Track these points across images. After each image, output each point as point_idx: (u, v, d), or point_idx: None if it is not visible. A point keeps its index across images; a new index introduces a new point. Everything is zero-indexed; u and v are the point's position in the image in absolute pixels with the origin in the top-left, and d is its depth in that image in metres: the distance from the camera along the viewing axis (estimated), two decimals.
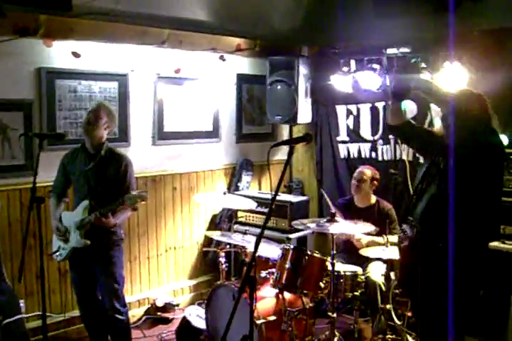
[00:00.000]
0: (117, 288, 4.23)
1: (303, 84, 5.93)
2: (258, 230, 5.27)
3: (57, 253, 4.13)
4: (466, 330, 3.49)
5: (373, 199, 5.22)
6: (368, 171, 5.16)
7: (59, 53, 4.82)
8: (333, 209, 4.59)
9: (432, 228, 3.28)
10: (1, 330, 4.09)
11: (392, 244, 4.49)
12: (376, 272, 4.75)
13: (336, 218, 4.37)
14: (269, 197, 5.78)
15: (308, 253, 4.29)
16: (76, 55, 4.88)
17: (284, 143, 3.06)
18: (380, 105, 5.88)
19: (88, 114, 4.16)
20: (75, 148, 4.31)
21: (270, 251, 4.60)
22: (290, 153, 2.86)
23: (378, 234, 4.79)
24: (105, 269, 4.18)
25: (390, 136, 5.76)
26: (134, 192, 3.95)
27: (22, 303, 4.60)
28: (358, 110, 6.11)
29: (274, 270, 4.34)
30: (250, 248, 4.65)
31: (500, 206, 3.44)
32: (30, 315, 4.72)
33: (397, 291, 4.89)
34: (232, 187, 6.21)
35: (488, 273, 3.42)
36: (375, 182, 5.16)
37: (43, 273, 3.63)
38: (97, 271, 4.21)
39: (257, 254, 2.79)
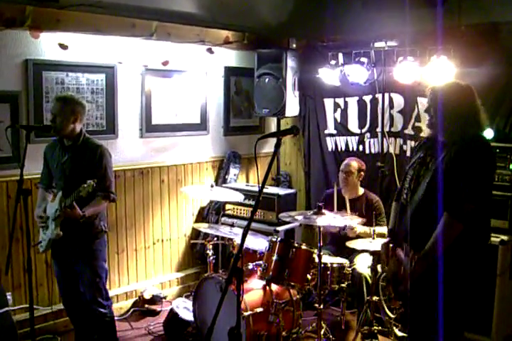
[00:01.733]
0: (98, 281, 4.18)
1: (291, 77, 5.93)
2: (246, 222, 5.28)
3: (40, 244, 4.09)
4: (466, 326, 3.49)
5: (361, 191, 5.26)
6: (354, 163, 5.20)
7: (46, 45, 4.79)
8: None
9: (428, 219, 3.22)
10: None
11: (379, 235, 4.53)
12: (363, 264, 4.78)
13: (322, 211, 4.38)
14: (257, 189, 5.78)
15: (296, 245, 4.31)
16: (63, 46, 4.84)
17: (271, 135, 3.05)
18: (367, 98, 5.89)
19: (51, 110, 4.13)
20: (53, 140, 4.28)
21: (258, 243, 4.62)
22: (277, 146, 2.86)
23: (365, 224, 4.83)
24: (85, 262, 4.14)
25: (378, 130, 5.78)
26: (89, 181, 3.76)
27: (9, 296, 4.60)
28: (346, 103, 6.12)
29: (261, 262, 4.36)
30: (238, 240, 4.66)
31: (491, 201, 3.40)
32: (17, 307, 4.71)
33: (383, 283, 4.94)
34: (220, 179, 6.22)
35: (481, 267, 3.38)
36: (362, 173, 5.20)
37: (31, 265, 3.63)
38: (78, 264, 4.16)
39: (244, 246, 2.80)
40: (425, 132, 3.55)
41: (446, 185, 3.11)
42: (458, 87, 3.36)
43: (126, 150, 5.42)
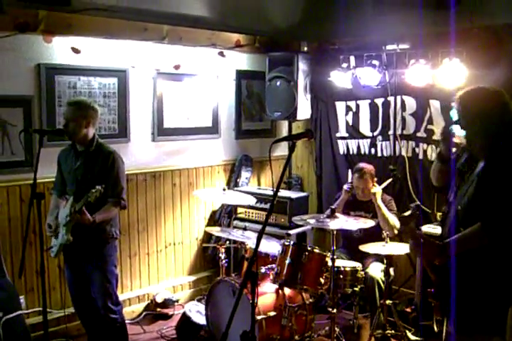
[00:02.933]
0: (108, 286, 4.18)
1: (302, 80, 5.93)
2: (257, 226, 5.38)
3: (52, 250, 4.10)
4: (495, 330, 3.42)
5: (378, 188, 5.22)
6: (367, 175, 5.11)
7: (58, 49, 4.81)
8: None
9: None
10: (1, 326, 4.09)
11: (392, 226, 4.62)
12: (375, 268, 4.76)
13: (335, 214, 4.37)
14: (269, 193, 5.80)
15: (309, 248, 4.30)
16: (76, 50, 4.87)
17: (286, 138, 3.05)
18: (379, 101, 5.88)
19: (64, 116, 4.14)
20: (67, 146, 4.29)
21: (270, 246, 4.61)
22: (292, 149, 2.85)
23: (379, 225, 4.83)
24: (96, 267, 4.14)
25: (390, 133, 5.77)
26: (97, 186, 3.79)
27: (22, 299, 4.62)
28: (358, 106, 6.10)
29: (274, 266, 4.35)
30: (250, 244, 4.66)
31: None
32: (30, 310, 4.73)
33: (395, 287, 4.92)
34: (232, 183, 6.22)
35: None
36: (375, 178, 5.16)
37: (44, 269, 3.64)
38: (89, 269, 4.17)
39: (253, 251, 2.78)
40: (461, 140, 3.35)
41: (481, 199, 2.96)
42: (484, 92, 3.10)
43: (138, 153, 5.43)
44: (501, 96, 3.06)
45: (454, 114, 3.17)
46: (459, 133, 3.20)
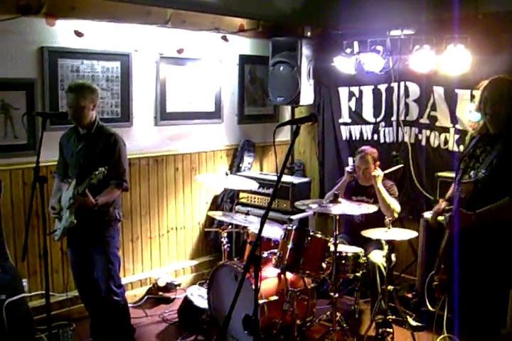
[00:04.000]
0: (111, 267, 4.20)
1: (305, 66, 5.89)
2: (260, 211, 5.39)
3: (55, 233, 4.11)
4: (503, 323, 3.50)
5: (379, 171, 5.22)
6: (369, 157, 5.09)
7: (61, 32, 4.79)
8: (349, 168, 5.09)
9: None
10: (4, 309, 4.11)
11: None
12: (377, 253, 4.78)
13: (338, 199, 4.38)
14: (271, 178, 5.80)
15: (311, 233, 4.30)
16: (79, 34, 4.85)
17: (290, 122, 3.05)
18: (382, 87, 5.86)
19: (67, 97, 4.09)
20: (69, 129, 4.28)
21: (272, 231, 4.62)
22: (296, 133, 2.83)
23: (381, 211, 4.84)
24: (99, 249, 4.17)
25: (393, 119, 5.75)
26: (100, 168, 3.80)
27: (25, 282, 4.64)
28: (361, 92, 6.09)
29: (276, 250, 4.36)
30: (252, 228, 4.67)
31: None
32: (33, 294, 4.76)
33: (397, 273, 4.94)
34: (234, 168, 6.22)
35: None
36: (378, 162, 5.15)
37: (47, 252, 3.64)
38: (92, 251, 4.19)
39: (257, 235, 2.79)
40: (471, 128, 3.66)
41: (507, 174, 3.18)
42: (508, 82, 3.38)
43: (141, 138, 5.43)
44: None
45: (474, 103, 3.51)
46: (474, 119, 3.54)
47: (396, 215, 4.93)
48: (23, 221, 4.61)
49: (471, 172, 3.31)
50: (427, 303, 4.35)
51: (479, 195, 3.27)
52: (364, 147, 5.25)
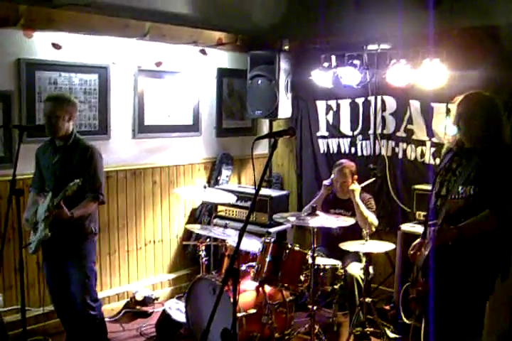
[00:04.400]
0: (87, 282, 4.17)
1: (283, 79, 5.94)
2: (238, 224, 5.39)
3: (30, 246, 4.06)
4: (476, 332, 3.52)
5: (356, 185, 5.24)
6: (347, 170, 5.12)
7: (39, 44, 4.77)
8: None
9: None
10: None
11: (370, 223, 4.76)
12: (355, 266, 4.79)
13: (316, 212, 4.39)
14: (249, 191, 5.81)
15: (289, 246, 4.31)
16: (56, 46, 4.84)
17: (269, 136, 3.05)
18: (359, 101, 5.91)
19: (44, 107, 4.09)
20: (45, 142, 4.26)
21: (250, 244, 4.62)
22: (274, 146, 2.84)
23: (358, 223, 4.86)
24: (75, 262, 4.14)
25: (370, 132, 5.80)
26: (76, 180, 3.77)
27: (0, 297, 4.57)
28: (338, 105, 6.13)
29: (254, 263, 4.36)
30: (230, 241, 4.66)
31: None
32: (8, 308, 4.68)
33: (374, 285, 4.95)
34: (212, 181, 6.21)
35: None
36: (355, 176, 5.18)
37: (22, 266, 3.61)
38: (68, 265, 4.16)
39: (235, 248, 2.79)
40: (446, 141, 3.67)
41: (487, 188, 3.20)
42: (483, 97, 3.42)
43: (119, 150, 5.41)
44: (495, 100, 3.43)
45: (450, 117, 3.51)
46: (450, 133, 3.53)
47: (374, 229, 4.96)
48: None
49: (459, 188, 3.32)
50: (402, 315, 4.36)
51: (465, 210, 3.29)
52: (342, 160, 5.28)
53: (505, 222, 3.19)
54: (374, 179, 5.45)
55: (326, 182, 5.23)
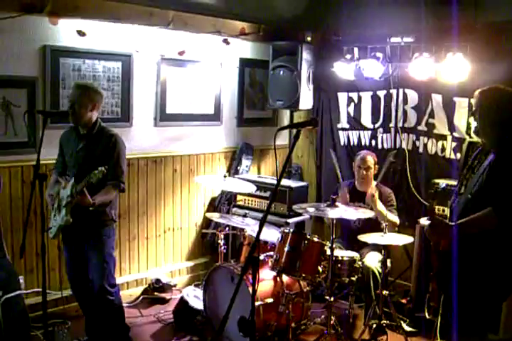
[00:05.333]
0: (105, 267, 4.21)
1: (305, 70, 5.93)
2: (257, 213, 5.41)
3: (50, 230, 4.11)
4: (489, 327, 3.52)
5: (373, 183, 5.26)
6: (370, 158, 5.17)
7: (64, 31, 4.80)
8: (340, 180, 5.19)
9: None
10: (0, 305, 4.13)
11: (390, 222, 4.71)
12: (373, 258, 4.80)
13: (336, 203, 4.41)
14: (269, 181, 5.83)
15: (308, 237, 4.33)
16: (81, 33, 4.87)
17: (291, 126, 3.06)
18: (381, 93, 5.89)
19: (69, 98, 4.14)
20: (69, 128, 4.31)
21: (269, 234, 4.65)
22: (296, 137, 2.83)
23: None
24: (94, 248, 4.19)
25: (391, 125, 5.79)
26: (100, 167, 3.79)
27: (21, 279, 4.64)
28: (360, 98, 6.12)
29: (272, 253, 4.39)
30: (249, 230, 4.70)
31: None
32: (29, 291, 4.75)
33: (391, 279, 4.95)
34: (232, 170, 6.24)
35: None
36: (377, 166, 5.20)
37: (44, 250, 3.64)
38: (87, 250, 4.21)
39: (255, 237, 2.81)
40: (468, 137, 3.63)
41: (492, 186, 3.17)
42: (499, 91, 3.35)
43: (140, 138, 5.45)
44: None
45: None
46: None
47: (396, 228, 4.96)
48: (21, 218, 4.63)
49: (473, 186, 3.30)
50: (426, 312, 4.35)
51: (470, 209, 3.28)
52: (364, 151, 5.30)
53: (506, 220, 3.14)
54: (388, 166, 5.39)
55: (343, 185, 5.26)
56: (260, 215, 5.27)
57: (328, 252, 4.28)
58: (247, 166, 6.32)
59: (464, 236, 3.23)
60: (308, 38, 6.27)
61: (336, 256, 4.40)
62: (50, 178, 4.28)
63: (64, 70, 4.85)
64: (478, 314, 3.32)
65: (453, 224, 3.28)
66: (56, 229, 4.04)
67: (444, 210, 4.91)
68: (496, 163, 3.21)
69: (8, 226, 4.61)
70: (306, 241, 4.28)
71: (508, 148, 3.21)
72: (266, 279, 4.43)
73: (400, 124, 5.71)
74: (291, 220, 5.50)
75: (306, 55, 5.92)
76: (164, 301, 5.46)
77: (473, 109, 3.41)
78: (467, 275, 3.25)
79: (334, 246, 4.31)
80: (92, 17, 4.87)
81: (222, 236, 4.93)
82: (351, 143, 6.24)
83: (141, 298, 5.48)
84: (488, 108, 3.28)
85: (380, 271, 4.58)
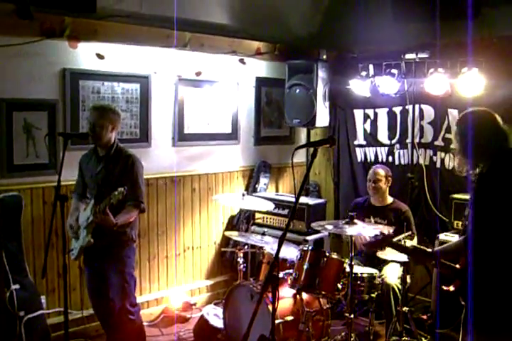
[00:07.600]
0: (126, 287, 4.24)
1: (321, 88, 5.98)
2: (275, 231, 5.43)
3: (72, 252, 4.17)
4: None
5: (389, 199, 5.26)
6: (380, 170, 5.20)
7: (83, 54, 4.90)
8: None
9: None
10: (23, 325, 4.17)
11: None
12: (392, 275, 4.78)
13: (354, 220, 4.42)
14: (287, 199, 5.84)
15: (327, 254, 4.34)
16: (100, 56, 4.97)
17: (309, 145, 3.10)
18: (397, 110, 5.92)
19: (90, 115, 4.20)
20: (89, 150, 4.37)
21: (288, 252, 4.66)
22: (313, 156, 2.88)
23: (395, 232, 4.82)
24: (115, 268, 4.20)
25: (407, 141, 5.80)
26: (120, 188, 3.82)
27: (43, 299, 4.68)
28: (376, 114, 6.15)
29: (291, 271, 4.39)
30: (268, 248, 4.71)
31: None
32: (51, 310, 4.79)
33: (411, 294, 4.91)
34: (250, 188, 6.27)
35: None
36: (390, 178, 5.21)
37: (66, 270, 3.69)
38: (108, 271, 4.21)
39: (274, 255, 2.83)
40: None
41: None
42: (475, 115, 3.23)
43: (159, 158, 5.50)
44: (494, 119, 3.17)
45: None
46: None
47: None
48: (43, 239, 4.69)
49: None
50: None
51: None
52: (378, 165, 5.33)
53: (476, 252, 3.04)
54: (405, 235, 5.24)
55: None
56: (279, 233, 5.28)
57: (348, 269, 4.28)
58: (264, 184, 6.35)
59: (478, 254, 3.20)
60: (324, 56, 6.31)
61: (356, 273, 4.40)
62: (70, 200, 4.34)
63: (83, 92, 4.94)
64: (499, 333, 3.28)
65: (430, 251, 3.34)
66: (78, 250, 4.09)
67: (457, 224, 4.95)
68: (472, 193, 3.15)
69: (30, 246, 4.67)
70: (325, 259, 4.29)
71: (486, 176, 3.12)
72: (285, 297, 4.43)
73: (416, 140, 5.73)
74: (309, 237, 5.50)
75: (321, 73, 5.97)
76: (185, 320, 5.48)
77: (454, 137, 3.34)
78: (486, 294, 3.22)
79: (353, 262, 4.32)
80: (110, 40, 4.96)
81: (242, 255, 4.95)
82: (368, 160, 6.26)
83: (161, 316, 5.48)
84: (463, 132, 3.19)
85: (400, 287, 4.57)
